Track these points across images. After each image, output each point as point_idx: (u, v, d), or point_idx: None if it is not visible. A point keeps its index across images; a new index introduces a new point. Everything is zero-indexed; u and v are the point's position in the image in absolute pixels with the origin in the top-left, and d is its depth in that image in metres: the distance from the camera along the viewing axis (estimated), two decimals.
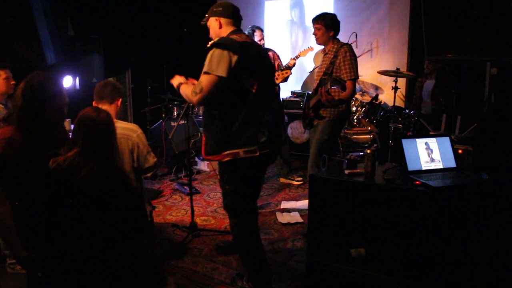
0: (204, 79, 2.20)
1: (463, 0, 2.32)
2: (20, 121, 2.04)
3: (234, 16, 2.42)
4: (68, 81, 4.22)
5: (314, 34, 3.47)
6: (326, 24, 3.40)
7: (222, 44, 2.22)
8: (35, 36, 3.67)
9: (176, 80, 2.44)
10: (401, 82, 5.09)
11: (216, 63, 2.18)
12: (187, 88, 2.33)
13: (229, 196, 2.46)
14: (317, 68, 3.67)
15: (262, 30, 4.50)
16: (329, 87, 3.14)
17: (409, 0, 5.38)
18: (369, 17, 5.64)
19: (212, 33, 2.47)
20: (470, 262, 2.11)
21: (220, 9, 2.41)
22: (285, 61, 4.56)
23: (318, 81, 3.47)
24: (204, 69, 2.22)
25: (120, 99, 2.57)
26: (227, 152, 2.28)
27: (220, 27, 2.42)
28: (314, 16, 3.48)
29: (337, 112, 3.42)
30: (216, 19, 2.42)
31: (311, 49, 4.82)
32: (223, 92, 2.23)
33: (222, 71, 2.17)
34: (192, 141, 4.76)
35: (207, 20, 2.47)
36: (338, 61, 3.34)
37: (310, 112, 3.49)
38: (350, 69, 3.31)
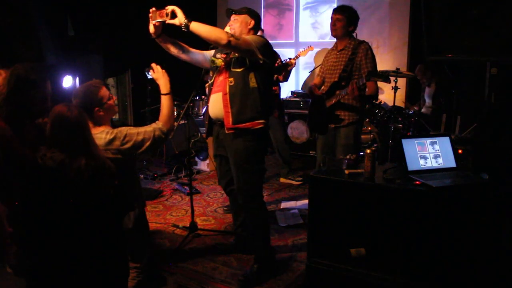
0: (248, 40, 2.48)
1: (463, 0, 2.33)
2: (6, 111, 2.04)
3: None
4: (68, 81, 4.21)
5: (333, 24, 3.23)
6: (349, 17, 3.19)
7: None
8: (35, 36, 3.67)
9: (181, 13, 2.34)
10: (401, 82, 5.09)
11: (261, 44, 2.53)
12: (211, 26, 2.39)
13: (255, 177, 2.67)
14: (327, 66, 3.39)
15: (263, 30, 4.52)
16: (365, 81, 2.96)
17: (409, 0, 5.39)
18: (369, 17, 5.64)
19: (237, 29, 2.65)
20: (470, 262, 2.11)
21: (257, 14, 2.72)
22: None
23: (331, 80, 3.26)
24: (251, 40, 2.50)
25: (97, 107, 2.26)
26: (261, 120, 2.59)
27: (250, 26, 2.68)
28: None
29: (356, 113, 3.21)
30: (250, 20, 2.67)
31: (311, 48, 4.83)
32: (266, 71, 2.60)
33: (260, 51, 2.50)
34: (192, 141, 4.76)
35: (240, 14, 2.65)
36: (359, 59, 3.15)
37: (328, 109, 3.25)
38: (373, 68, 3.14)
